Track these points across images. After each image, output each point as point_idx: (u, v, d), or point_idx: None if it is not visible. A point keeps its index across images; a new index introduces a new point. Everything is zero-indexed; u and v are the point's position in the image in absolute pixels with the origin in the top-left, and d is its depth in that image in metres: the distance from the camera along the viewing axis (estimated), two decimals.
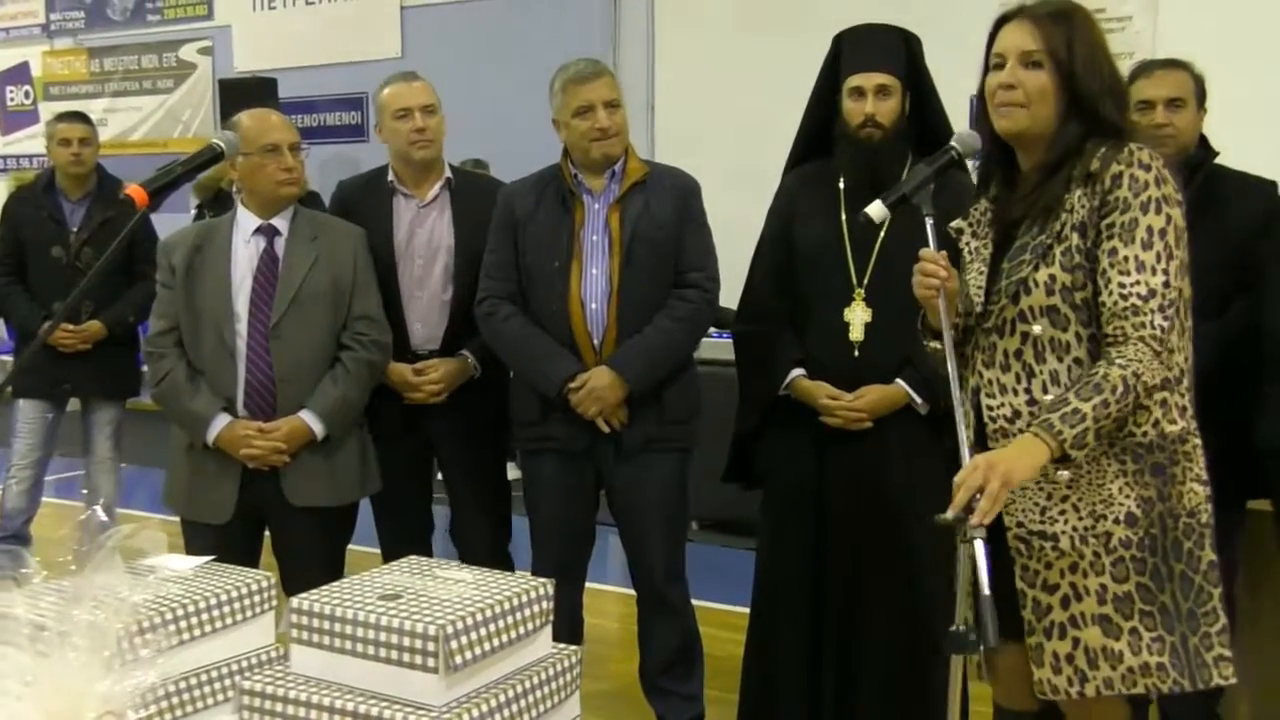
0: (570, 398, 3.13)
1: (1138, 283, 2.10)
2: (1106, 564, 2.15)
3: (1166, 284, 2.11)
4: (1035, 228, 2.21)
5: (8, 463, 4.87)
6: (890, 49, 2.96)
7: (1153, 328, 2.09)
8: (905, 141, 2.97)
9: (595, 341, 3.17)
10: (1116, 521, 2.14)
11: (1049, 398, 2.17)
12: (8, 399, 4.78)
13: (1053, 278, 2.16)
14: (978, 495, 1.97)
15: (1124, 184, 2.13)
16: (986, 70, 2.27)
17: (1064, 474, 2.15)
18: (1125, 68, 3.18)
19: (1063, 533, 2.16)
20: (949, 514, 1.98)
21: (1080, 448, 2.06)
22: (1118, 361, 2.08)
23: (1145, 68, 3.15)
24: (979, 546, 1.92)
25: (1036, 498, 2.18)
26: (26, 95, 9.69)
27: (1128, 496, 2.15)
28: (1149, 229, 2.12)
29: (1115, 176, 2.14)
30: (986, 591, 1.89)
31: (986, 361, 2.25)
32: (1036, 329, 2.19)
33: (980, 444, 2.25)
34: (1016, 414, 2.21)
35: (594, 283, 3.16)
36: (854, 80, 2.93)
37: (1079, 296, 2.16)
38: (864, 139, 2.92)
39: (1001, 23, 2.26)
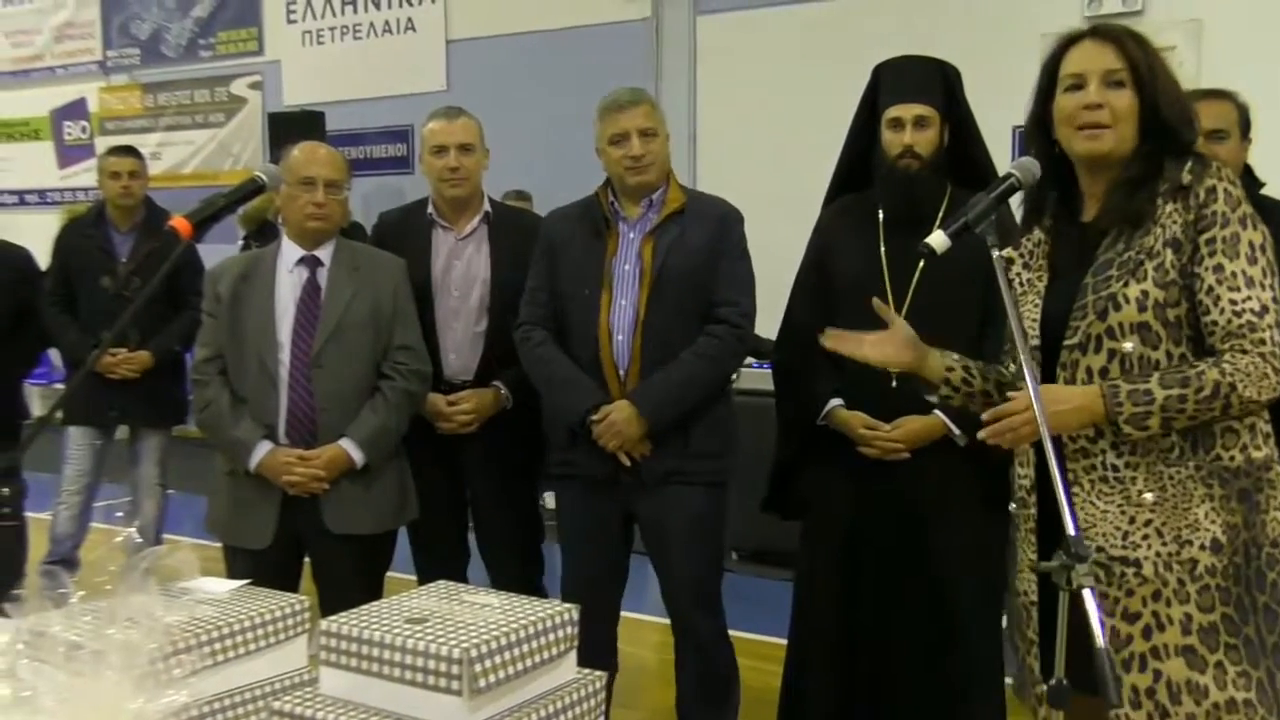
0: (592, 429, 3.11)
1: (1249, 298, 2.03)
2: (1192, 592, 2.05)
3: (1275, 299, 2.05)
4: (1120, 243, 2.12)
5: (57, 489, 4.94)
6: (928, 81, 2.97)
7: (1272, 344, 2.02)
8: (944, 172, 2.98)
9: (621, 372, 3.13)
10: (1202, 548, 2.05)
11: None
12: (57, 425, 4.85)
13: (1145, 293, 2.07)
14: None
15: (1219, 198, 2.07)
16: (1045, 95, 2.21)
17: (1148, 496, 2.07)
18: None
19: (1145, 558, 2.06)
20: (1065, 550, 1.79)
21: (1139, 429, 2.02)
22: (1223, 365, 2.01)
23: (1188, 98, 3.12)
24: (1088, 595, 1.75)
25: (1119, 521, 2.09)
26: (83, 130, 9.90)
27: (1213, 522, 2.06)
28: (1250, 244, 2.06)
29: (1210, 190, 2.07)
30: (1101, 644, 1.69)
31: (1068, 379, 2.14)
32: (1127, 346, 2.09)
33: (1059, 461, 2.18)
34: (1100, 433, 2.11)
35: (622, 314, 3.13)
36: (893, 111, 2.94)
37: (1172, 314, 2.08)
38: (902, 169, 2.93)
39: (1067, 45, 2.19)
